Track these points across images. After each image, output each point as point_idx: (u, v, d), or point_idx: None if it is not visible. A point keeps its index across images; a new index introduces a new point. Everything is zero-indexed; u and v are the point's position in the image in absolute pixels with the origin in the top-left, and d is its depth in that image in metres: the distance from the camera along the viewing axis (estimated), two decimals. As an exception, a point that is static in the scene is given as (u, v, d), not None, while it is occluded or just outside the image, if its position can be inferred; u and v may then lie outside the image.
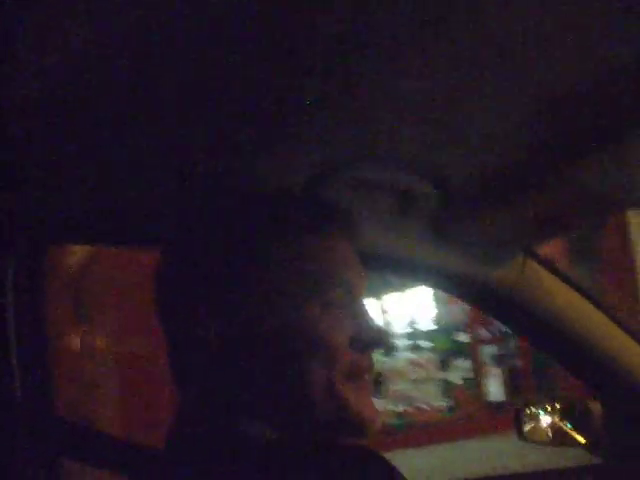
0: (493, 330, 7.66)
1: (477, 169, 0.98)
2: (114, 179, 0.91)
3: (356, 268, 0.81)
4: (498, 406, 7.47)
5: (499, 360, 7.78)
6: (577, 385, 1.40)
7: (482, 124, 0.86)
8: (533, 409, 1.37)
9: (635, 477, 1.35)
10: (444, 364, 7.92)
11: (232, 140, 0.84)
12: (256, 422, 0.74)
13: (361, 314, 0.79)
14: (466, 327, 7.88)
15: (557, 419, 1.36)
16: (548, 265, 1.27)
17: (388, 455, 0.71)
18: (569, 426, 1.35)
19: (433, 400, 7.74)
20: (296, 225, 0.78)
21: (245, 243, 0.77)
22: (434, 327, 8.04)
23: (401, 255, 1.20)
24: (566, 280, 1.27)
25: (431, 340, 7.98)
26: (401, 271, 1.34)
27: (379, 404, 6.65)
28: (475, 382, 7.83)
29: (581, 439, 1.35)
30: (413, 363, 7.87)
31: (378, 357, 6.66)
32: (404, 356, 7.86)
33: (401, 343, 7.89)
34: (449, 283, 1.30)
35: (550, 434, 1.36)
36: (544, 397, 1.39)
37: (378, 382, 7.14)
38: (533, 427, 1.37)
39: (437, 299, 7.89)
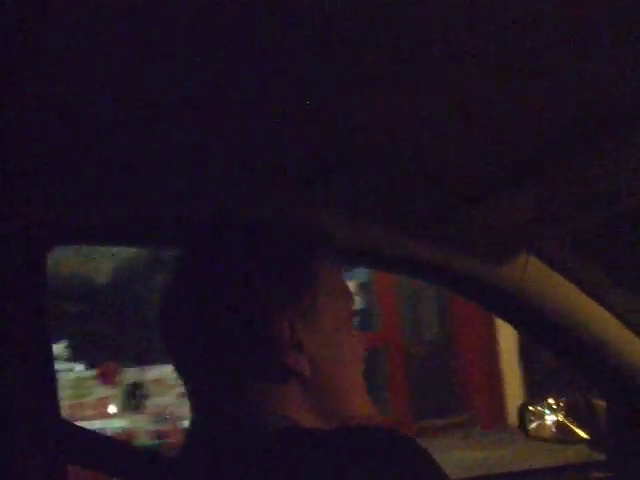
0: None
1: (478, 168, 0.98)
2: (114, 179, 0.92)
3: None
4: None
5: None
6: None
7: (482, 124, 0.86)
8: (538, 407, 1.38)
9: (638, 474, 1.36)
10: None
11: (232, 140, 0.84)
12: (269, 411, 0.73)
13: None
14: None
15: (561, 417, 1.36)
16: (551, 263, 1.27)
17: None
18: (573, 423, 1.35)
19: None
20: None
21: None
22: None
23: (404, 254, 1.21)
24: (570, 278, 1.27)
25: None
26: (405, 270, 1.35)
27: (136, 421, 5.53)
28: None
29: (585, 436, 1.36)
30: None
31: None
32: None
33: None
34: (452, 281, 1.30)
35: (554, 431, 1.36)
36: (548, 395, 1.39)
37: (136, 395, 5.81)
38: (538, 424, 1.37)
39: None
